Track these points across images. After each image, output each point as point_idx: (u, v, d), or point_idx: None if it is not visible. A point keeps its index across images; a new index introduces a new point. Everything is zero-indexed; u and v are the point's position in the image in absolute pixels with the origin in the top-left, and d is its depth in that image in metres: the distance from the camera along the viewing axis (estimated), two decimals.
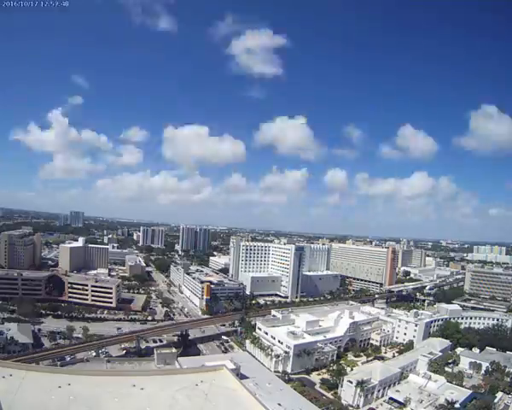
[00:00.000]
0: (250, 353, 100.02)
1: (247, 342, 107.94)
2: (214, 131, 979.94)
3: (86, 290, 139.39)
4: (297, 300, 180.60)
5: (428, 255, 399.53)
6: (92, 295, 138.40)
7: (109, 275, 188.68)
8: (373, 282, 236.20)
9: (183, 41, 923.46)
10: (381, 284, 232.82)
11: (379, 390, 79.82)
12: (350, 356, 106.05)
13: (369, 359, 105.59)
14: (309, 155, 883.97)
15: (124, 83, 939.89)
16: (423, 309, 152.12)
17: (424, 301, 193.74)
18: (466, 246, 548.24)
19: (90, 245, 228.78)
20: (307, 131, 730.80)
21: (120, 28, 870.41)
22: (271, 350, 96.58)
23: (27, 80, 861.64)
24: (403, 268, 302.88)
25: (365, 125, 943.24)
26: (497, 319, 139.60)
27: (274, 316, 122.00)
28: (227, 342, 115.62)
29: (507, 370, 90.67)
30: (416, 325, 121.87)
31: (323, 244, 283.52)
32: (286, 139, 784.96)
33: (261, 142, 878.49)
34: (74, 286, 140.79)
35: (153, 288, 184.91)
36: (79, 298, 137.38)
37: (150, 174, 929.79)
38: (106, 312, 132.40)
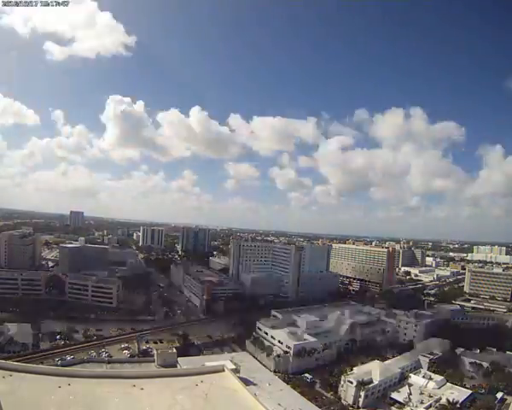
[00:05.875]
0: (250, 353, 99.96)
1: (247, 342, 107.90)
2: None
3: (86, 290, 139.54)
4: (297, 300, 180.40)
5: (428, 255, 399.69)
6: (92, 296, 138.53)
7: (109, 275, 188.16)
8: (373, 282, 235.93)
9: None
10: (381, 285, 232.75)
11: (379, 390, 79.86)
12: (350, 356, 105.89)
13: (370, 359, 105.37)
14: None
15: None
16: (423, 309, 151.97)
17: (424, 301, 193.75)
18: (466, 246, 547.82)
19: (89, 245, 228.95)
20: None
21: None
22: (271, 350, 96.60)
23: None
24: (403, 268, 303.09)
25: None
26: (497, 319, 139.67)
27: (274, 316, 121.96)
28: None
29: (507, 370, 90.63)
30: (416, 326, 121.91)
31: (323, 244, 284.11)
32: None
33: None
34: (74, 286, 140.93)
35: (153, 288, 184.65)
36: (79, 298, 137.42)
37: None
38: (106, 312, 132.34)
